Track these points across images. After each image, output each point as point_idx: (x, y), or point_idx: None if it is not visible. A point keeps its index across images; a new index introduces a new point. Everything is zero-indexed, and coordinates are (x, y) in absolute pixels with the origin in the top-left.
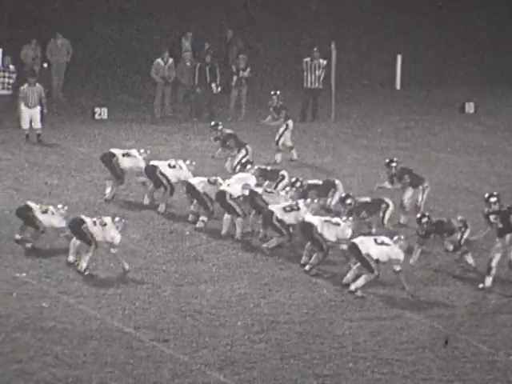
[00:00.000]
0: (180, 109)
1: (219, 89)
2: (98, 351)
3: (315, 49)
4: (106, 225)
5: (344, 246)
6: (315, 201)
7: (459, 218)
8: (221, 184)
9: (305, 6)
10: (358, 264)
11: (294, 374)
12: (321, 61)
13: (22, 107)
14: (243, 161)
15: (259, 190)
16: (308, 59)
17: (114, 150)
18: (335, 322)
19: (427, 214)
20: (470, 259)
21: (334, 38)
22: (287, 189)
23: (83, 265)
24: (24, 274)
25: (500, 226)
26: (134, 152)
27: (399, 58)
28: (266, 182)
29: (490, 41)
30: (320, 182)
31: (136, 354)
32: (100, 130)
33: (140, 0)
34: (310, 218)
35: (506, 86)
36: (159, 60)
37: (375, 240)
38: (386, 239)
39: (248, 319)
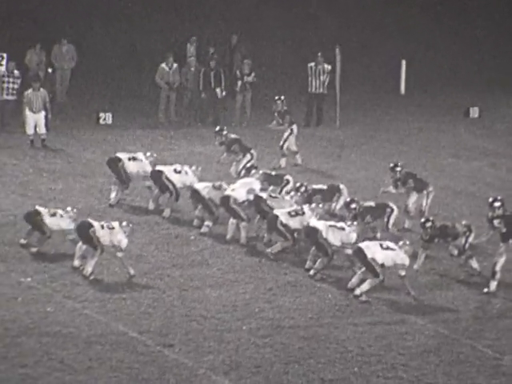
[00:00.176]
0: (185, 114)
1: (224, 94)
2: (103, 356)
3: (320, 54)
4: (113, 228)
5: (349, 251)
6: (320, 205)
7: (463, 222)
8: (225, 189)
9: (309, 11)
10: (363, 269)
11: (299, 379)
12: (325, 66)
13: (27, 112)
14: (248, 165)
15: (264, 195)
16: (312, 64)
17: (119, 155)
18: (340, 327)
19: (431, 218)
20: (474, 264)
21: (339, 43)
22: (292, 193)
23: (89, 269)
24: (29, 279)
25: (504, 230)
26: (140, 156)
27: (404, 63)
28: (271, 187)
29: (494, 46)
30: (325, 187)
31: (141, 359)
32: (105, 135)
33: (144, 5)
34: (314, 222)
35: (510, 91)
36: (164, 65)
37: (381, 245)
38: (392, 244)
39: (253, 324)
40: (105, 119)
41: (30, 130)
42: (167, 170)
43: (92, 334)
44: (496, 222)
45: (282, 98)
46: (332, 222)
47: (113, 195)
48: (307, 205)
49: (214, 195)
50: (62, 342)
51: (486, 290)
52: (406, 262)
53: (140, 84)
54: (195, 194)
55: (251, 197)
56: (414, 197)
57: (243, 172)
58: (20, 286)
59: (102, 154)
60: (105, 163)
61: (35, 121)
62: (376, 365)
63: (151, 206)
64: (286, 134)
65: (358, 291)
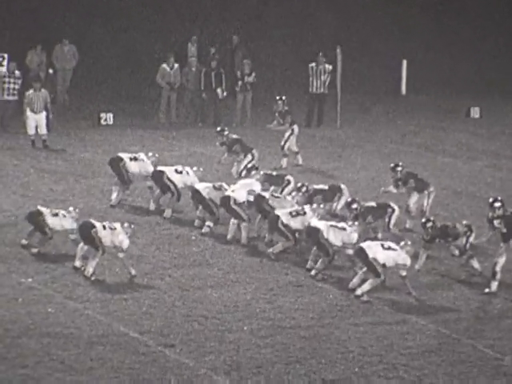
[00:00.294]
0: (185, 114)
1: (225, 94)
2: (104, 356)
3: (321, 54)
4: (115, 229)
5: (350, 251)
6: (321, 206)
7: (464, 222)
8: (226, 189)
9: (310, 11)
10: (365, 269)
11: (300, 379)
12: (326, 66)
13: (28, 113)
14: (249, 166)
15: (266, 195)
16: (313, 64)
17: (121, 155)
18: (341, 327)
19: (432, 218)
20: (475, 264)
21: (340, 43)
22: (293, 193)
23: (90, 270)
24: (30, 280)
25: (504, 230)
26: (141, 156)
27: (405, 63)
28: (272, 187)
29: (495, 46)
30: (326, 187)
31: (142, 359)
32: (106, 135)
33: (145, 6)
34: (316, 222)
35: (511, 91)
36: (165, 65)
37: (382, 245)
38: (393, 244)
39: (254, 324)
40: (106, 119)
41: (31, 131)
42: (168, 171)
43: (93, 334)
44: (496, 222)
45: (283, 98)
46: (333, 223)
47: (114, 196)
48: (308, 205)
49: (215, 196)
50: (63, 342)
51: (487, 290)
52: (408, 262)
53: (141, 84)
54: (196, 194)
55: (251, 198)
56: (414, 197)
57: (244, 172)
58: (21, 286)
59: (103, 155)
60: (106, 163)
61: (36, 121)
62: (377, 365)
63: (152, 206)
64: (286, 135)
65: (359, 291)
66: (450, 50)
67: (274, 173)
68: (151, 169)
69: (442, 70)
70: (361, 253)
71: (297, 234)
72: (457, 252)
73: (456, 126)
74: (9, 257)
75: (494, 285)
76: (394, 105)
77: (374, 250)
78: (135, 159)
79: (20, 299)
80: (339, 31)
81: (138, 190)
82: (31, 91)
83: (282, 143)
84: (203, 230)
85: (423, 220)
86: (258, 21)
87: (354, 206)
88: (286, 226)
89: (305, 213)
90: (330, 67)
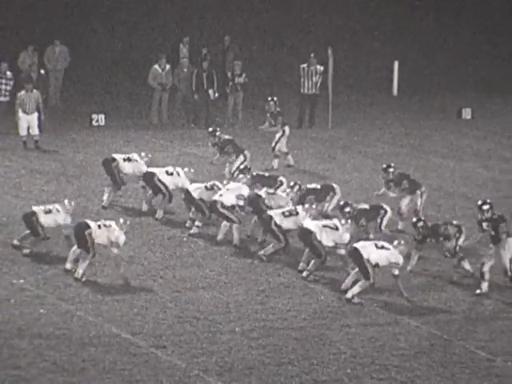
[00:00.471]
0: (177, 115)
1: (216, 95)
2: (96, 357)
3: (312, 55)
4: (110, 226)
5: (342, 251)
6: (313, 206)
7: (454, 222)
8: (219, 188)
9: (302, 13)
10: (356, 269)
11: (292, 380)
12: (318, 67)
13: (20, 114)
14: (241, 167)
15: (262, 193)
16: (305, 65)
17: (115, 155)
18: (333, 328)
19: (423, 218)
20: (467, 265)
21: (331, 43)
22: (288, 190)
23: (80, 271)
24: (22, 281)
25: (492, 233)
26: (135, 156)
27: (396, 63)
28: (264, 189)
29: (487, 47)
30: (318, 187)
31: (134, 361)
32: (97, 136)
33: (137, 7)
34: (308, 224)
35: (502, 92)
36: (156, 66)
37: (376, 244)
38: (386, 243)
39: (246, 325)
40: (97, 120)
41: (22, 132)
42: (159, 172)
43: (85, 335)
44: (485, 224)
45: (275, 99)
46: (326, 222)
47: (105, 197)
48: (301, 205)
49: (207, 196)
50: (54, 343)
51: (478, 291)
52: (400, 261)
53: (133, 85)
54: (187, 195)
55: (241, 202)
56: (406, 199)
57: (236, 173)
58: (13, 287)
59: (94, 156)
60: (98, 164)
61: (28, 122)
62: (369, 366)
63: (144, 207)
64: (277, 136)
65: (349, 294)
66: (441, 51)
67: (267, 174)
68: (145, 169)
69: (434, 71)
70: (355, 253)
71: (289, 235)
72: (448, 253)
73: (448, 126)
74: (0, 257)
75: (485, 285)
76: (385, 106)
77: (369, 250)
78: (129, 160)
79: (12, 300)
80: (331, 32)
81: (129, 191)
82: (23, 92)
83: (273, 144)
84: (191, 231)
85: (414, 220)
86: (249, 21)
87: (347, 209)
88: (278, 226)
89: (297, 213)
90: (322, 68)
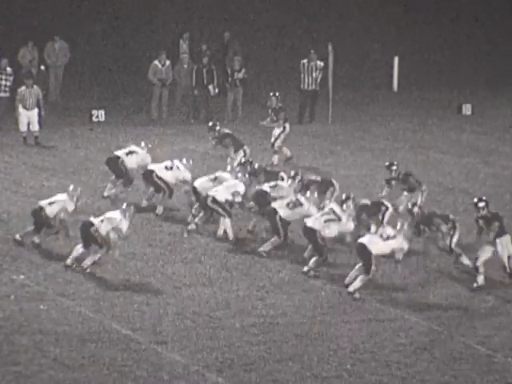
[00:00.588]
0: (177, 111)
1: (216, 91)
2: (96, 354)
3: (312, 51)
4: (111, 217)
5: (349, 238)
6: (315, 194)
7: (450, 217)
8: (225, 179)
9: (302, 8)
10: (360, 263)
11: (293, 376)
12: (318, 62)
13: (20, 109)
14: (243, 161)
15: (266, 189)
16: (305, 61)
17: (117, 153)
18: (333, 324)
19: (420, 204)
20: (465, 260)
21: (331, 39)
22: (289, 181)
23: (87, 262)
24: (22, 277)
25: (488, 230)
26: (136, 148)
27: (396, 59)
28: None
29: (487, 42)
30: (319, 178)
31: (134, 357)
32: (97, 132)
33: (137, 3)
34: (312, 222)
35: (503, 88)
36: (156, 62)
37: (381, 236)
38: (390, 231)
39: (246, 321)
40: (97, 116)
41: (23, 127)
42: (158, 169)
43: (85, 331)
44: (481, 222)
45: (277, 94)
46: (327, 216)
47: (108, 187)
48: (302, 195)
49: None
50: (55, 339)
51: (474, 285)
52: (405, 246)
53: (133, 81)
54: (196, 194)
55: (238, 199)
56: (404, 197)
57: (238, 168)
58: (13, 283)
59: (94, 151)
60: (98, 160)
61: (28, 118)
62: (369, 362)
63: (144, 203)
64: (277, 132)
65: (351, 288)
66: (441, 46)
67: (268, 168)
68: (149, 158)
69: (434, 66)
70: (363, 250)
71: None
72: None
73: (448, 122)
74: (1, 253)
75: (480, 279)
76: (385, 101)
77: (376, 244)
78: (131, 153)
79: (12, 296)
80: (331, 28)
81: (130, 187)
82: (23, 88)
83: (273, 140)
84: (189, 227)
85: (409, 206)
86: (249, 17)
87: (349, 202)
88: (282, 220)
89: (301, 203)
90: (322, 64)
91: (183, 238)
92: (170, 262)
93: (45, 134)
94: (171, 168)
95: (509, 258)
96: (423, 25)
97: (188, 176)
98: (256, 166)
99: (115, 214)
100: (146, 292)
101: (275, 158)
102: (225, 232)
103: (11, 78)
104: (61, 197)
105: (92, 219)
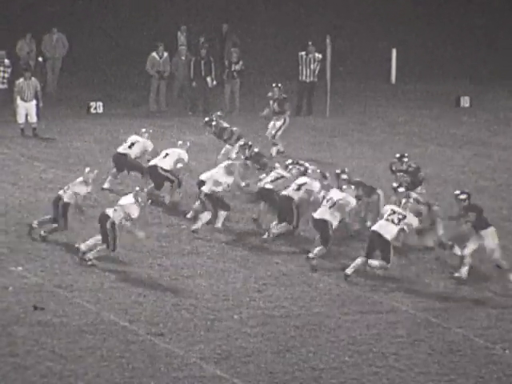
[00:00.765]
0: (175, 103)
1: (214, 83)
2: (94, 345)
3: (310, 43)
4: (123, 205)
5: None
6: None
7: (435, 208)
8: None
9: (300, 0)
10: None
11: (290, 368)
12: (316, 54)
13: (18, 101)
14: (241, 143)
15: (270, 186)
16: (303, 53)
17: (122, 151)
18: (331, 316)
19: (405, 184)
20: (458, 251)
21: (329, 31)
22: (290, 167)
23: (90, 256)
24: (20, 268)
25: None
26: (136, 138)
27: (394, 51)
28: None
29: (485, 35)
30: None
31: (132, 348)
32: (95, 124)
33: None
34: (322, 213)
35: (501, 80)
36: (154, 54)
37: (392, 220)
38: (400, 211)
39: (244, 313)
40: (95, 108)
41: (20, 119)
42: (159, 162)
43: (83, 323)
44: (463, 213)
45: (280, 85)
46: (329, 203)
47: (108, 179)
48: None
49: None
50: (52, 331)
51: (456, 274)
52: (415, 223)
53: (130, 73)
54: (201, 184)
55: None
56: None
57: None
58: (11, 275)
59: (92, 143)
60: (96, 151)
61: (26, 110)
62: (367, 353)
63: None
64: (278, 124)
65: (374, 264)
66: (440, 39)
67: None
68: (150, 144)
69: (432, 58)
70: (378, 238)
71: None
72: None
73: (446, 115)
74: None
75: (464, 270)
76: (383, 94)
77: (389, 229)
78: (133, 145)
79: (10, 288)
80: (329, 20)
81: (128, 179)
82: (21, 80)
83: (274, 132)
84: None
85: (394, 185)
86: (247, 9)
87: (344, 176)
88: (298, 208)
89: (305, 182)
90: (320, 56)
91: (181, 229)
92: (167, 253)
93: (43, 125)
94: (168, 154)
95: (494, 249)
96: (421, 17)
97: (185, 156)
98: (256, 150)
99: (127, 200)
100: (143, 284)
101: (273, 150)
102: (223, 224)
103: (9, 70)
104: (75, 183)
105: (108, 211)
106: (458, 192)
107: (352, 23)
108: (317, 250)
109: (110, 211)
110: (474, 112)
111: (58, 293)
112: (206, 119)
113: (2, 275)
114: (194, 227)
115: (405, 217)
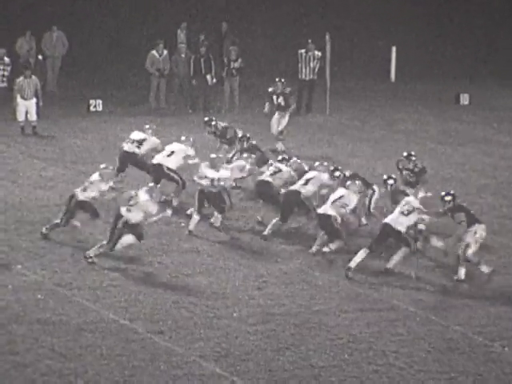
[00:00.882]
0: (175, 101)
1: (214, 80)
2: (94, 343)
3: (310, 40)
4: (138, 203)
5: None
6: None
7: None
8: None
9: None
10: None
11: (290, 365)
12: (315, 52)
13: (18, 99)
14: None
15: (269, 179)
16: (303, 51)
17: (127, 149)
18: (330, 314)
19: (394, 176)
20: (435, 242)
21: (329, 29)
22: (291, 161)
23: (91, 253)
24: (19, 266)
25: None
26: (141, 135)
27: (394, 49)
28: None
29: (485, 32)
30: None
31: (131, 346)
32: (95, 122)
33: None
34: (325, 209)
35: (500, 78)
36: (154, 52)
37: (402, 212)
38: (411, 200)
39: (243, 311)
40: (95, 106)
41: (20, 117)
42: (163, 160)
43: (82, 321)
44: (449, 214)
45: (283, 80)
46: (331, 198)
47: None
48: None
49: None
50: (52, 329)
51: (455, 277)
52: (426, 216)
53: (130, 71)
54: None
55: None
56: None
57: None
58: (10, 273)
59: (92, 141)
60: (95, 150)
61: (26, 108)
62: (367, 352)
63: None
64: (284, 121)
65: (391, 264)
66: (439, 36)
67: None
68: (155, 140)
69: (432, 56)
70: (391, 231)
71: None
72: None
73: (445, 112)
74: None
75: (462, 272)
76: (383, 92)
77: (401, 222)
78: (141, 143)
79: (9, 286)
80: (328, 18)
81: (128, 177)
82: (21, 78)
83: (280, 128)
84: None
85: (384, 177)
86: (247, 7)
87: (337, 173)
88: (307, 199)
89: (313, 176)
90: (320, 54)
91: (180, 227)
92: (167, 251)
93: (42, 123)
94: (173, 152)
95: (467, 246)
96: (421, 15)
97: (191, 151)
98: (253, 142)
99: (142, 197)
100: (143, 282)
101: (279, 146)
102: (222, 221)
103: (9, 68)
104: (90, 181)
105: (120, 209)
106: (443, 193)
107: (352, 21)
108: (333, 244)
109: (123, 210)
110: (474, 109)
111: (57, 291)
112: (206, 119)
113: (1, 273)
114: (190, 228)
115: (414, 210)
